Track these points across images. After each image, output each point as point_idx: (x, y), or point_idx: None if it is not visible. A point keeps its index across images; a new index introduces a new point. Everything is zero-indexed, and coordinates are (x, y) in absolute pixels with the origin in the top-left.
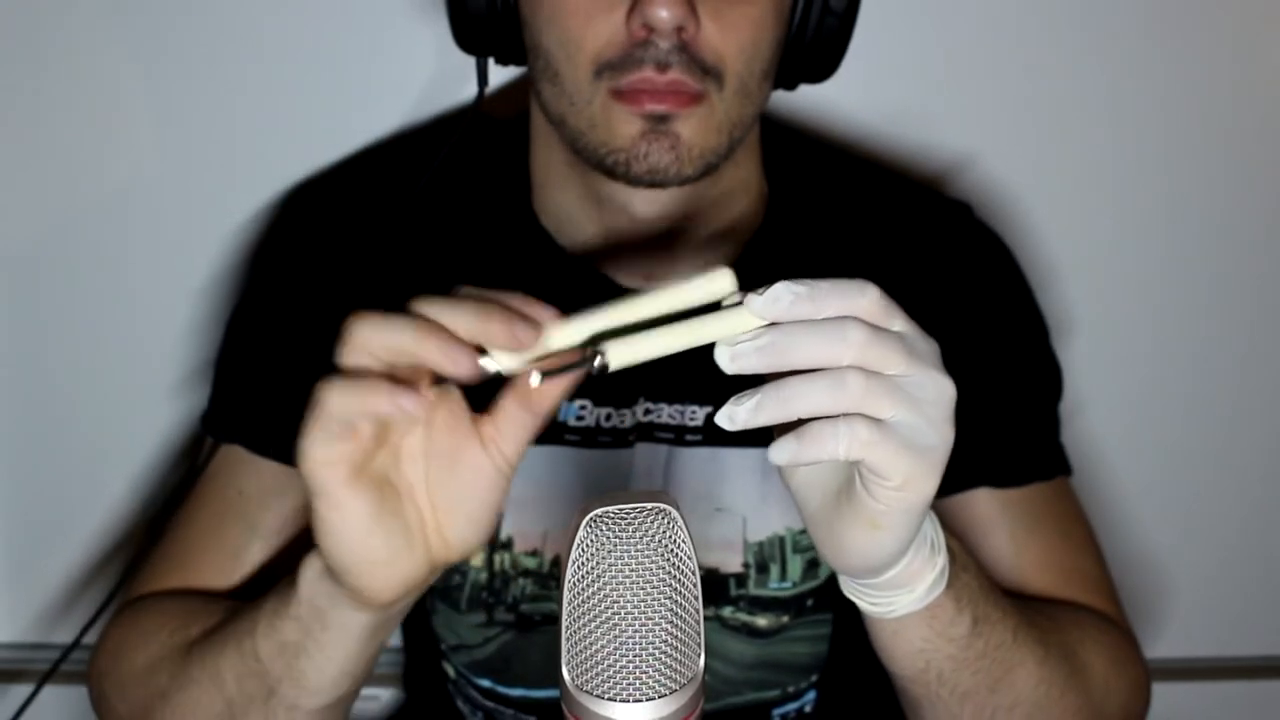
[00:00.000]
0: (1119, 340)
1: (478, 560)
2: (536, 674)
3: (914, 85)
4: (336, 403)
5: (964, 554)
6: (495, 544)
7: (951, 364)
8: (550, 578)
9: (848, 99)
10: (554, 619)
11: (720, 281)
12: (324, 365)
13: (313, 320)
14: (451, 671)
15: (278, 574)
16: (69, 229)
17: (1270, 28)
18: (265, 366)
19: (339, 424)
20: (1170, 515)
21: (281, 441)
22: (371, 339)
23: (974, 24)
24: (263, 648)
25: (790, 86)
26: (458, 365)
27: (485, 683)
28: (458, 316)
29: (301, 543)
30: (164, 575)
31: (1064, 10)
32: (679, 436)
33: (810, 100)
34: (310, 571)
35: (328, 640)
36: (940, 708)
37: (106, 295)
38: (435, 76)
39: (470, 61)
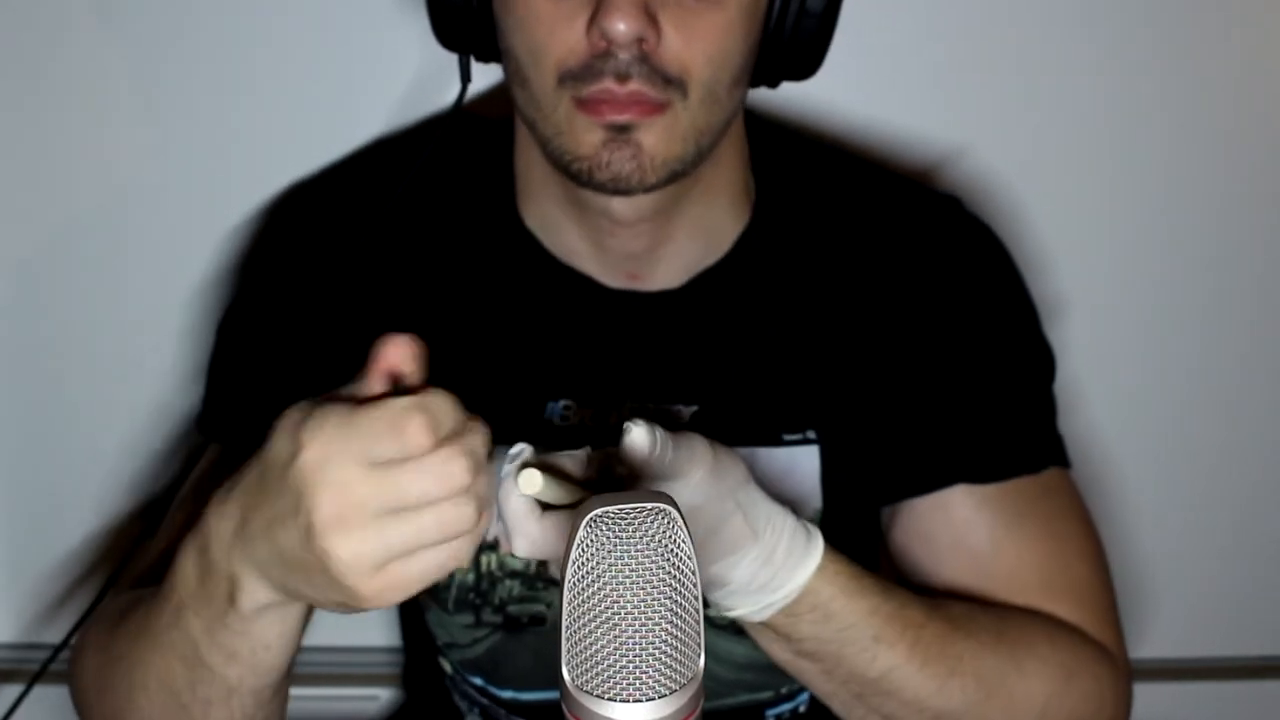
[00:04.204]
0: (1110, 334)
1: None
2: (526, 676)
3: (902, 79)
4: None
5: (837, 599)
6: (482, 545)
7: (939, 359)
8: (538, 579)
9: (835, 94)
10: (542, 620)
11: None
12: (312, 366)
13: (302, 322)
14: (448, 668)
15: None
16: (65, 232)
17: (1262, 16)
18: (255, 368)
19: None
20: (1167, 511)
21: None
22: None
23: (962, 16)
24: (213, 660)
25: (772, 85)
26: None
27: (478, 681)
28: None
29: None
30: (150, 572)
31: (1053, 1)
32: None
33: (797, 96)
34: (250, 602)
35: (277, 633)
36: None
37: (101, 297)
38: (423, 78)
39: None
